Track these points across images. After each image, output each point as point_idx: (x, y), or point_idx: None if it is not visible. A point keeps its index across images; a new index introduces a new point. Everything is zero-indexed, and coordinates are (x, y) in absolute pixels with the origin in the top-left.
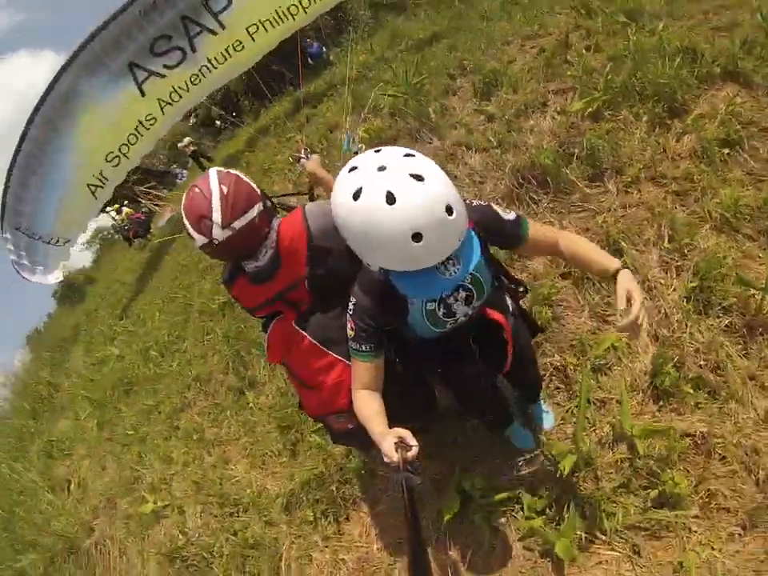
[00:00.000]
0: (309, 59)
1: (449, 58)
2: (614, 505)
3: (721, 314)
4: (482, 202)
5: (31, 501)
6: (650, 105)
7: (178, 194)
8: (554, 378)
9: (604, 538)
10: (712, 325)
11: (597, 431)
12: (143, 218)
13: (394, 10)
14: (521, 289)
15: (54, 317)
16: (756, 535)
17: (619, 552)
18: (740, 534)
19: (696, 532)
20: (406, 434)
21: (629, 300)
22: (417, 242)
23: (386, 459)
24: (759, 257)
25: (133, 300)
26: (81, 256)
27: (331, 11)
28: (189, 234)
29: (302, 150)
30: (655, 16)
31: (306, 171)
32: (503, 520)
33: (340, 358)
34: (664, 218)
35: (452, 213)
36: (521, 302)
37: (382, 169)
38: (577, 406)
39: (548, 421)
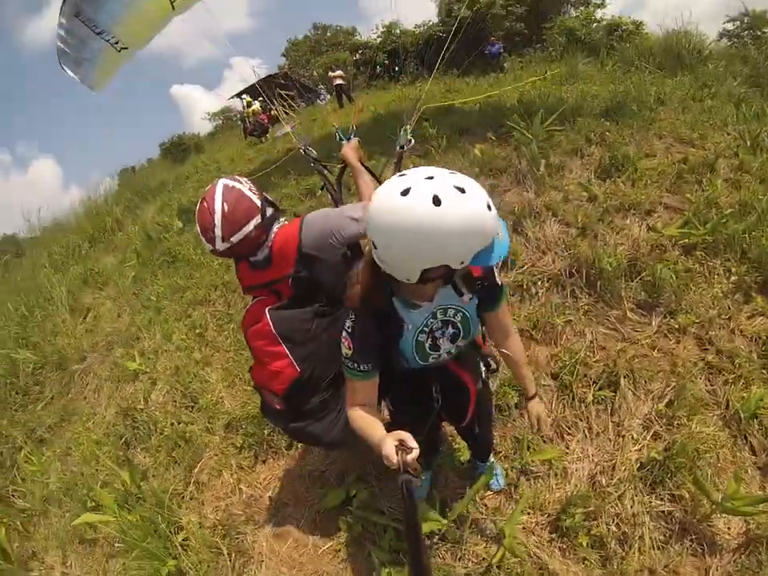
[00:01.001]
0: (487, 53)
1: (597, 121)
2: None
3: (666, 499)
4: None
5: (51, 310)
6: (745, 269)
7: (311, 113)
8: None
9: None
10: (649, 503)
11: (482, 518)
12: (266, 121)
13: (587, 49)
14: (492, 365)
15: (152, 164)
16: None
17: None
18: None
19: None
20: (407, 436)
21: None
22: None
23: (386, 462)
24: (745, 471)
25: None
26: (201, 123)
27: (532, 22)
28: (200, 237)
29: (349, 128)
30: None
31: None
32: (361, 535)
33: (289, 354)
34: (679, 381)
35: (490, 209)
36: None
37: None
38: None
39: (496, 483)
